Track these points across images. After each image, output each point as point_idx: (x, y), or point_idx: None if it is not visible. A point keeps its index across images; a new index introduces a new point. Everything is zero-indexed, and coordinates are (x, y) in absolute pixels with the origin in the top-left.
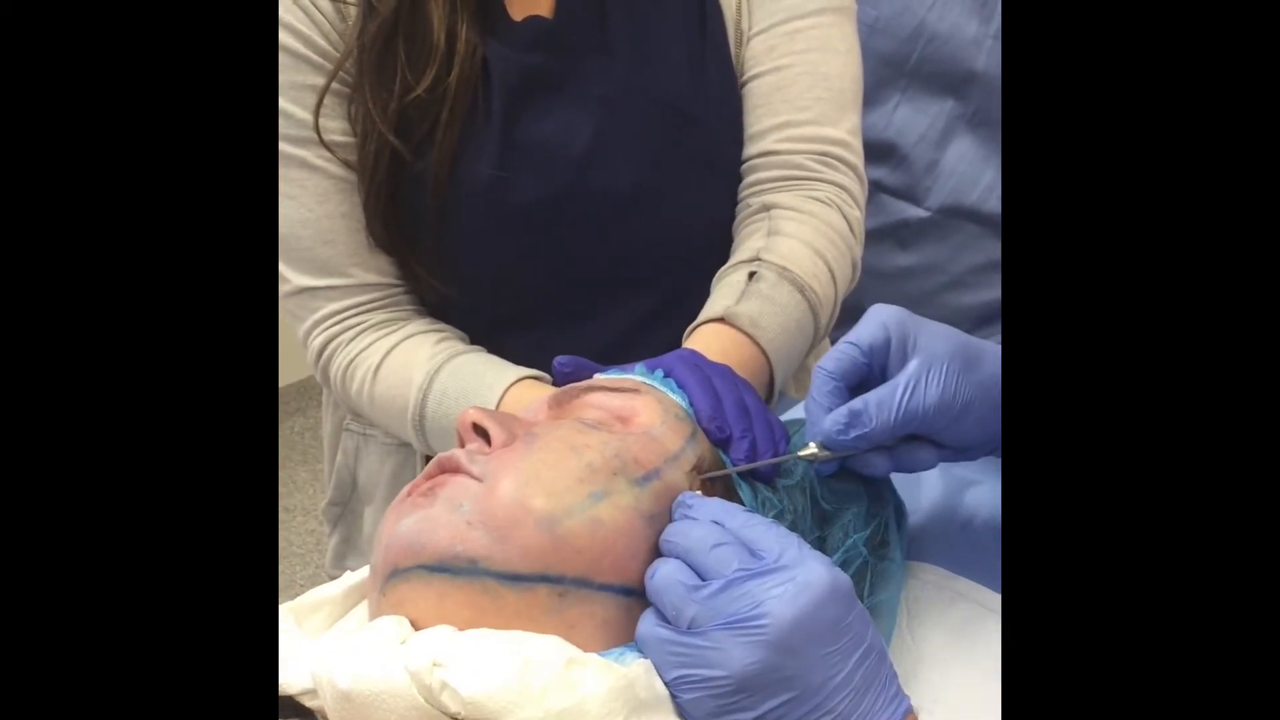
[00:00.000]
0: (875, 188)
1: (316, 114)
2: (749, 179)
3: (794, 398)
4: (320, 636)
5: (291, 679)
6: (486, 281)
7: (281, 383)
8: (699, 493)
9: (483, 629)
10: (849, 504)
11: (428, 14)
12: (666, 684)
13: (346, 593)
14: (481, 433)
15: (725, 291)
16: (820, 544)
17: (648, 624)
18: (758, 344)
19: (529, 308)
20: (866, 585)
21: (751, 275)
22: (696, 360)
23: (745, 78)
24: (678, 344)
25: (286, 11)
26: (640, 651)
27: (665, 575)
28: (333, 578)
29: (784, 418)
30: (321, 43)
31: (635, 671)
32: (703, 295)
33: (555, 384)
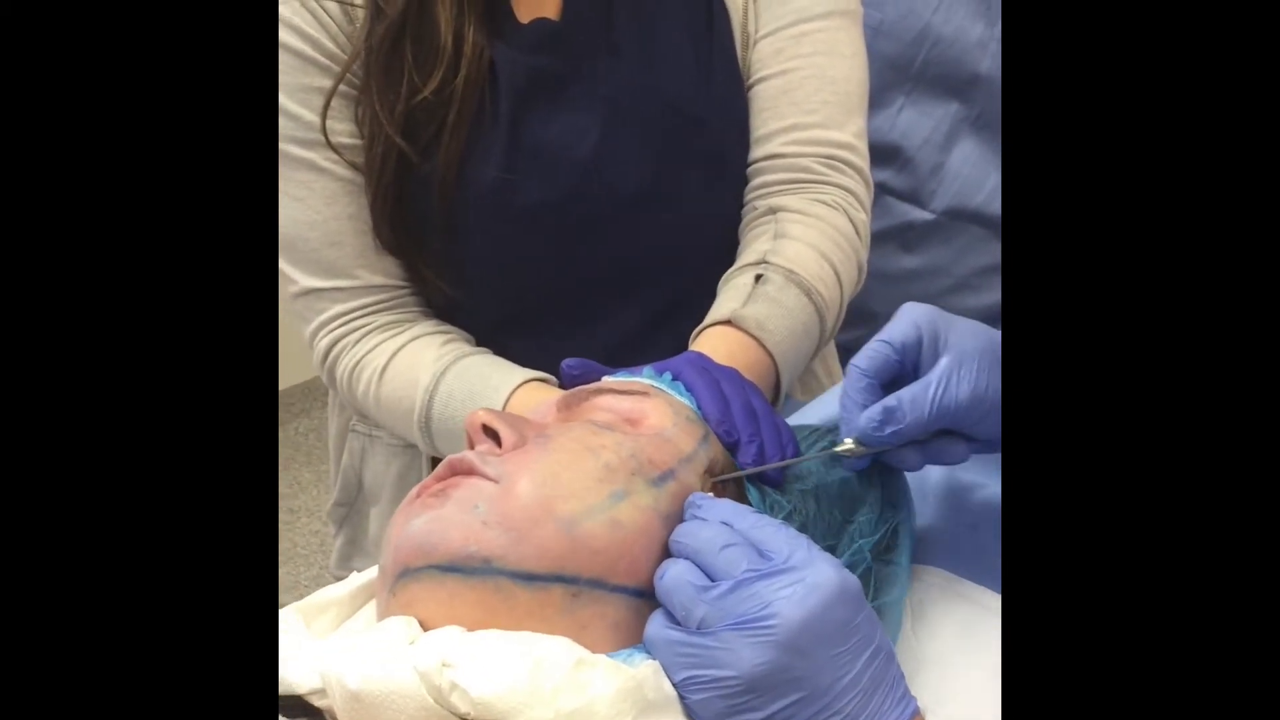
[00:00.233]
0: (880, 190)
1: (324, 116)
2: (755, 182)
3: (800, 400)
4: (328, 637)
5: (300, 679)
6: (493, 283)
7: (286, 384)
8: (710, 494)
9: (492, 629)
10: (862, 510)
11: (435, 16)
12: (675, 685)
13: (354, 593)
14: (491, 434)
15: (732, 294)
16: (831, 549)
17: (656, 625)
18: (764, 347)
19: (535, 309)
20: (870, 589)
21: (758, 278)
22: (704, 363)
23: (752, 80)
24: (684, 346)
25: (294, 14)
26: (649, 653)
27: (674, 576)
28: (338, 579)
29: (791, 421)
30: (329, 45)
31: (644, 672)
32: (709, 297)
33: (563, 386)
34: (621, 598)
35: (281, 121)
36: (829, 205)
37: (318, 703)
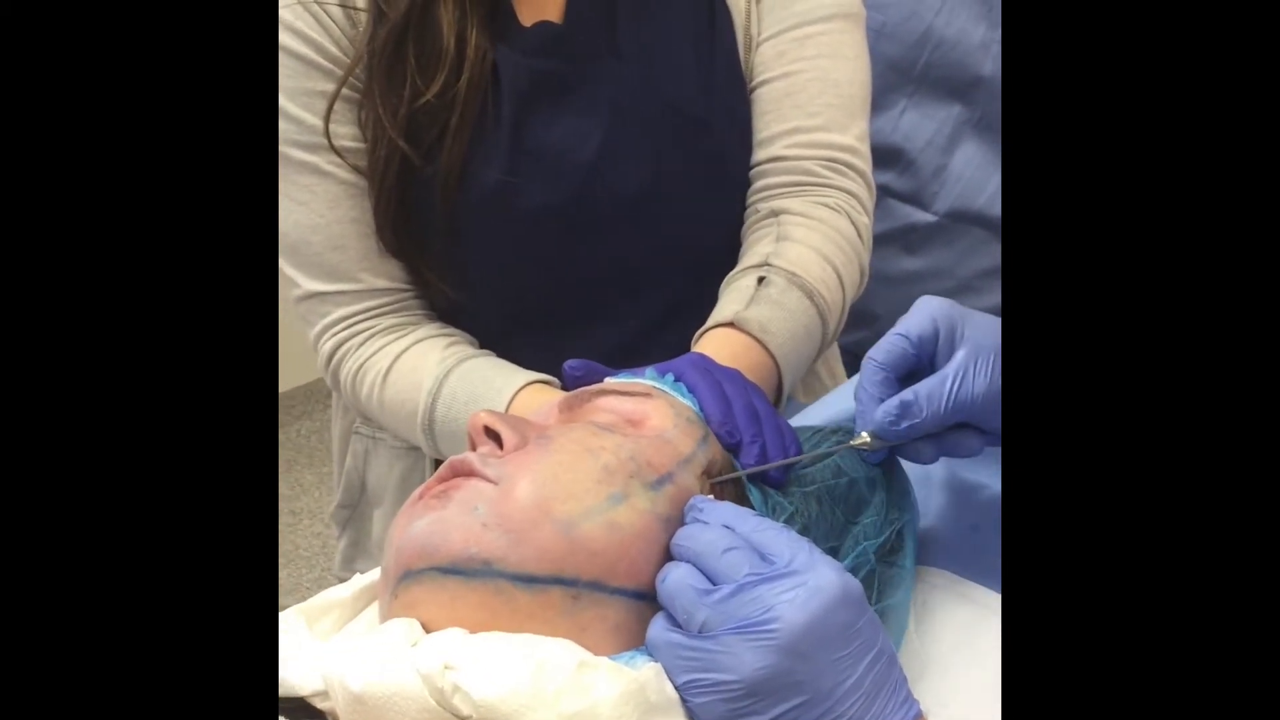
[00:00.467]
0: (882, 192)
1: (327, 120)
2: (758, 184)
3: (802, 402)
4: (330, 638)
5: (303, 680)
6: (496, 286)
7: (288, 386)
8: (710, 496)
9: (494, 631)
10: (866, 512)
11: (438, 19)
12: (677, 688)
13: (357, 595)
14: (493, 436)
15: (734, 296)
16: (834, 552)
17: (658, 628)
18: (766, 349)
19: (538, 312)
20: (874, 591)
21: (760, 280)
22: (707, 365)
23: (754, 83)
24: (686, 348)
25: (297, 18)
26: (651, 655)
27: (676, 579)
28: (341, 581)
29: (793, 422)
30: (332, 49)
31: (646, 675)
32: (711, 299)
33: (565, 387)
34: (622, 600)
35: (284, 125)
36: (831, 208)
37: (320, 705)
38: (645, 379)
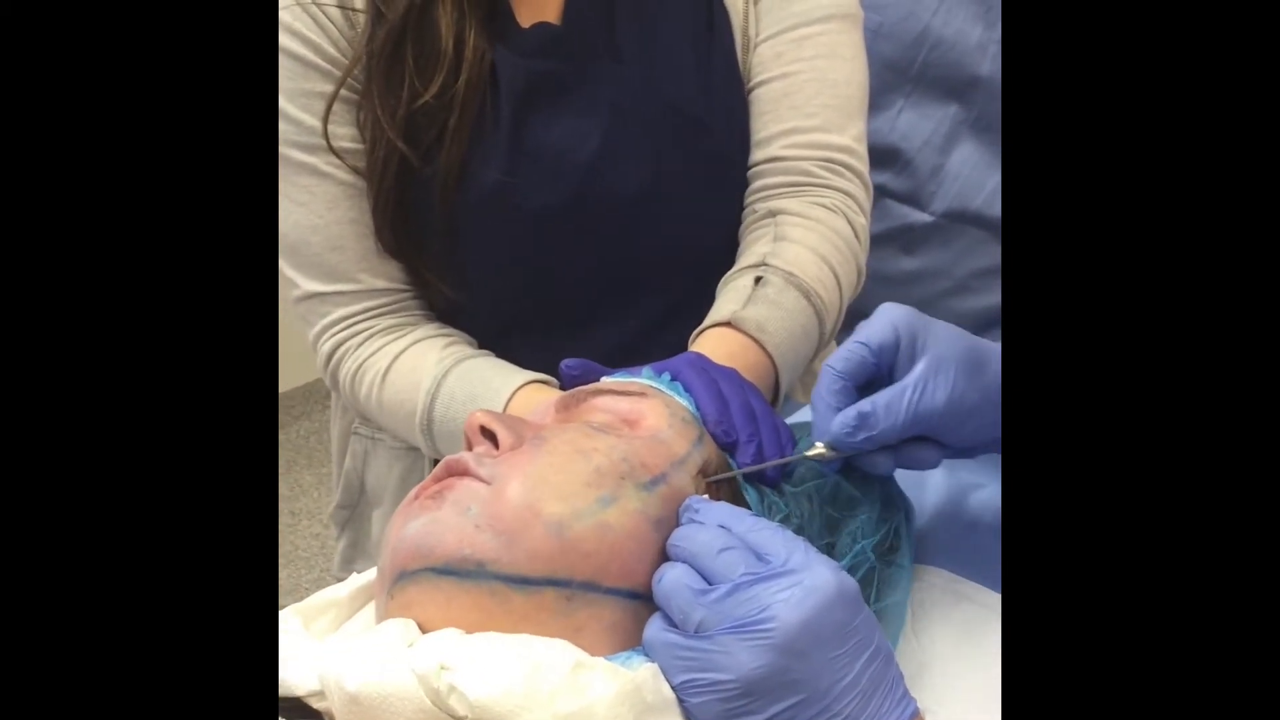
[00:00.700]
0: (879, 192)
1: (325, 121)
2: (755, 184)
3: (800, 402)
4: (327, 638)
5: (299, 680)
6: (494, 286)
7: (287, 387)
8: (706, 497)
9: (490, 632)
10: (859, 510)
11: (436, 20)
12: (674, 688)
13: (354, 595)
14: (489, 435)
15: (731, 296)
16: (829, 550)
17: (655, 628)
18: (764, 349)
19: (537, 312)
20: (874, 590)
21: (758, 280)
22: (703, 364)
23: (752, 84)
24: (684, 348)
25: (295, 19)
26: (647, 655)
27: (672, 580)
28: (339, 582)
29: (790, 421)
30: (330, 50)
31: (642, 675)
32: (709, 300)
33: (562, 387)
34: (617, 600)
35: (284, 126)
36: (828, 209)
37: (316, 704)
38: (642, 378)
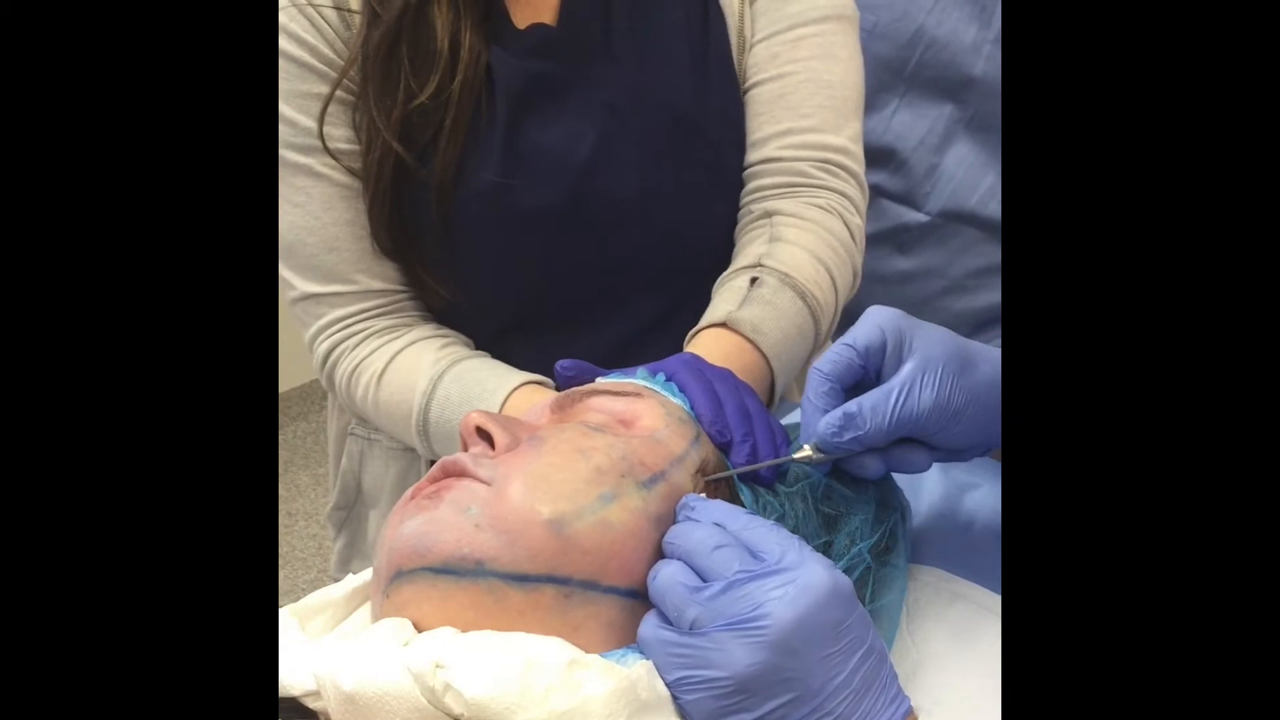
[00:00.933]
0: (874, 192)
1: (321, 122)
2: (751, 185)
3: (795, 402)
4: (323, 638)
5: (295, 680)
6: (490, 287)
7: (285, 387)
8: (703, 495)
9: (485, 630)
10: (856, 510)
11: (431, 21)
12: (668, 685)
13: (349, 595)
14: (485, 436)
15: (727, 297)
16: (825, 549)
17: (649, 626)
18: (759, 349)
19: (533, 313)
20: (869, 590)
21: (753, 281)
22: (698, 364)
23: (748, 84)
24: (680, 349)
25: (291, 20)
26: (642, 653)
27: (667, 577)
28: (336, 583)
29: (786, 421)
30: (326, 51)
31: (637, 673)
32: (706, 301)
33: (557, 388)
34: (614, 598)
35: (280, 128)
36: (824, 209)
37: (312, 704)
38: (636, 379)
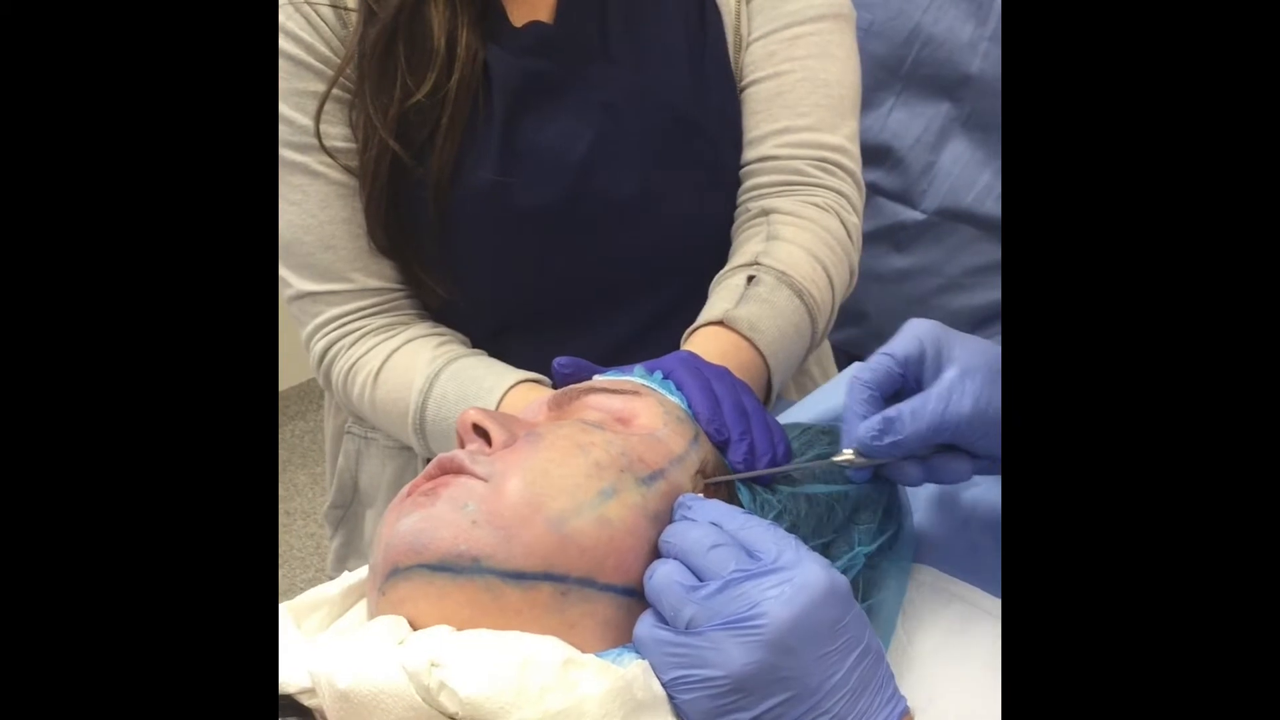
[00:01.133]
0: (871, 190)
1: (317, 120)
2: (748, 183)
3: (792, 400)
4: (318, 636)
5: (290, 678)
6: (488, 286)
7: (282, 386)
8: (699, 495)
9: (481, 629)
10: (861, 514)
11: (428, 19)
12: (664, 684)
13: (345, 592)
14: (482, 433)
15: (724, 295)
16: (825, 550)
17: (645, 625)
18: (756, 347)
19: (531, 312)
20: (865, 589)
21: (750, 279)
22: (696, 363)
23: (744, 83)
24: (677, 347)
25: (288, 19)
26: (638, 652)
27: (663, 576)
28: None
29: (782, 419)
30: (323, 49)
31: (633, 672)
32: (703, 300)
33: (554, 386)
34: (611, 596)
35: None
36: (821, 208)
37: (307, 702)
38: (634, 376)
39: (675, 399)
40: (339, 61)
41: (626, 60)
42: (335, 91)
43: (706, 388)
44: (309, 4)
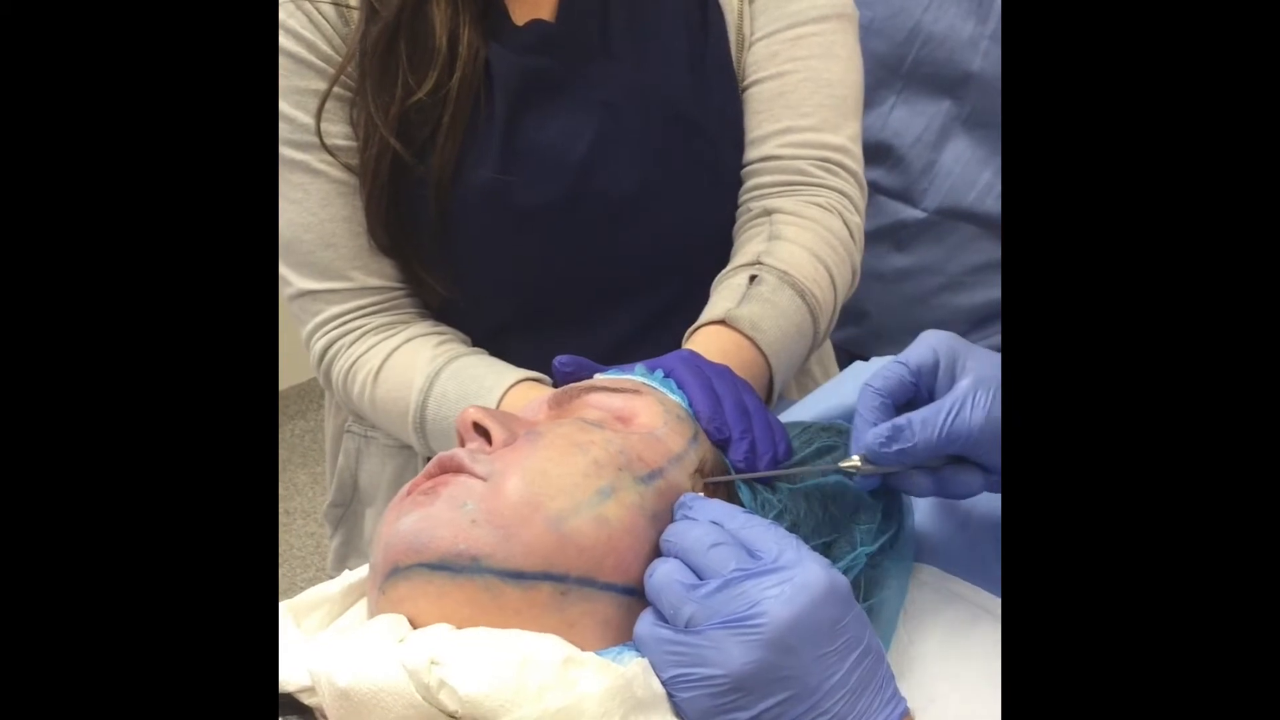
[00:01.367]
0: (872, 189)
1: (318, 118)
2: (750, 183)
3: (794, 400)
4: (318, 634)
5: (290, 676)
6: (488, 285)
7: (282, 386)
8: (700, 494)
9: (481, 627)
10: (860, 517)
11: (430, 17)
12: (664, 683)
13: (345, 591)
14: (482, 432)
15: (726, 294)
16: (826, 550)
17: (645, 623)
18: (758, 347)
19: (531, 311)
20: (866, 589)
21: (752, 279)
22: (697, 361)
23: (747, 83)
24: (679, 347)
25: (289, 16)
26: (638, 651)
27: (663, 574)
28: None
29: (783, 417)
30: (324, 47)
31: (633, 671)
32: (704, 299)
33: (555, 384)
34: (611, 595)
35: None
36: (823, 208)
37: (307, 700)
38: (635, 375)
39: (676, 397)
40: (340, 60)
41: (627, 59)
42: (336, 89)
43: (707, 386)
44: (310, 2)
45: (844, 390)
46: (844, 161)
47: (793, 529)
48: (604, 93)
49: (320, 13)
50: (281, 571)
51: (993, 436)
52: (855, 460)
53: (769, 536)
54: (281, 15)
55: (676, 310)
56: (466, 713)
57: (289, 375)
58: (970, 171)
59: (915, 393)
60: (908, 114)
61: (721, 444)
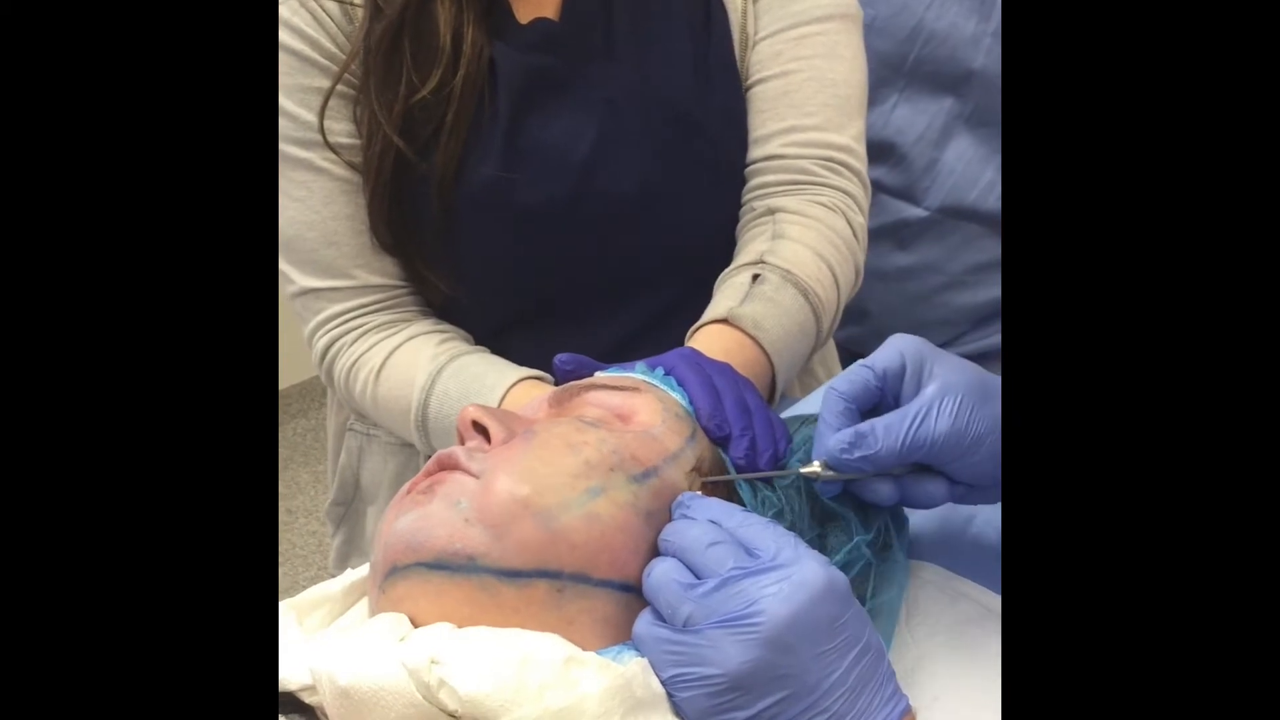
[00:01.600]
0: (874, 188)
1: (322, 116)
2: (753, 182)
3: (797, 399)
4: (319, 633)
5: (291, 675)
6: (491, 283)
7: (284, 384)
8: (699, 493)
9: (481, 626)
10: (848, 506)
11: (434, 16)
12: (663, 682)
13: (347, 590)
14: (481, 430)
15: (728, 293)
16: (820, 543)
17: (644, 623)
18: (760, 346)
19: (534, 309)
20: (870, 586)
21: (755, 278)
22: (697, 359)
23: (750, 82)
24: (680, 345)
25: (293, 14)
26: (637, 650)
27: (661, 574)
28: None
29: (785, 414)
30: (328, 45)
31: (632, 670)
32: (707, 298)
33: (556, 382)
34: (608, 592)
35: (281, 122)
36: (827, 207)
37: (308, 699)
38: (635, 373)
39: (676, 395)
40: (344, 57)
41: (631, 58)
42: (340, 87)
43: (708, 383)
44: None
45: None
46: (848, 161)
47: (791, 528)
48: (607, 92)
49: (324, 10)
50: (283, 570)
51: (957, 446)
52: (815, 466)
53: (767, 535)
54: (285, 13)
55: (678, 309)
56: (467, 712)
57: (290, 374)
58: (972, 170)
59: (881, 397)
60: (910, 112)
61: (721, 441)
